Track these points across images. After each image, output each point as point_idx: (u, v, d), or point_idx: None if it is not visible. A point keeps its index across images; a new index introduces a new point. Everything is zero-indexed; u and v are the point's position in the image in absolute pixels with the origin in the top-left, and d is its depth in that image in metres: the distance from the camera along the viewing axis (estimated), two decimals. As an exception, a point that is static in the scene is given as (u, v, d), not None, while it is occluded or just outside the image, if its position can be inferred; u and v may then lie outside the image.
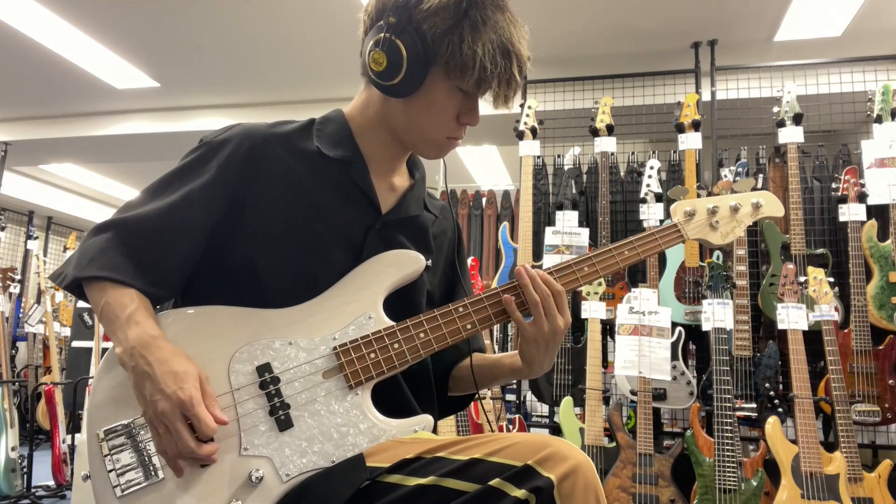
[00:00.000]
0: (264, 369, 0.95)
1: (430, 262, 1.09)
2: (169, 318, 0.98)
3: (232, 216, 1.02)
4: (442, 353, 1.04)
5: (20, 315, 5.29)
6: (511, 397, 3.73)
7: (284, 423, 0.94)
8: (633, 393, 2.90)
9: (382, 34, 0.98)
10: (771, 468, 2.62)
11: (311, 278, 1.01)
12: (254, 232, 1.02)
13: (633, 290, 2.96)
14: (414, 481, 0.88)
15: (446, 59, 0.97)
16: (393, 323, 1.01)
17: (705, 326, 2.77)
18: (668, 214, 3.21)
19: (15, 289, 4.44)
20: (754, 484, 2.62)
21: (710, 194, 1.20)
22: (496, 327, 4.01)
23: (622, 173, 3.58)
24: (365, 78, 1.07)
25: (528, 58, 1.02)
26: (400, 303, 1.05)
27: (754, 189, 1.23)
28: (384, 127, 1.09)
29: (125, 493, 0.90)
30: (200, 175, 1.03)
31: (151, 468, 0.91)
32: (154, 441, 0.90)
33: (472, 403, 3.07)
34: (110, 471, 0.90)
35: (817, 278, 2.75)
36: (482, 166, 6.14)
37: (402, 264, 1.04)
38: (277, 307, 0.99)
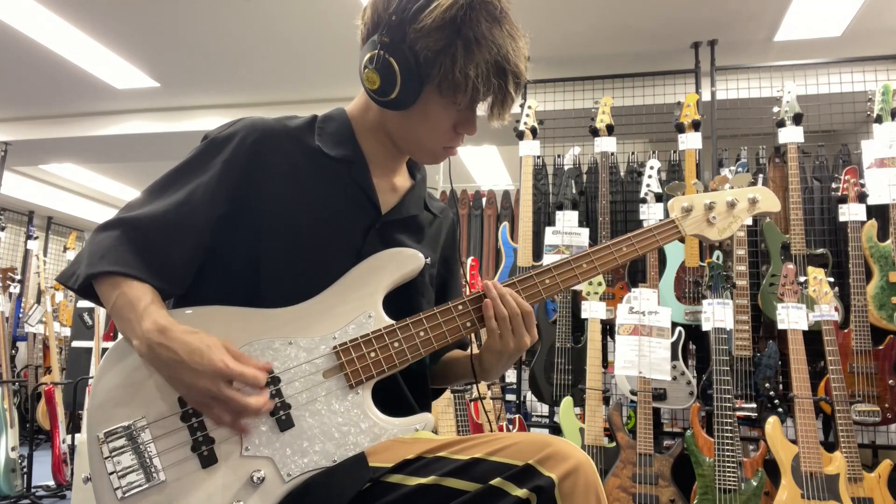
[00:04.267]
0: (265, 369, 0.95)
1: (429, 259, 1.09)
2: None
3: (235, 210, 1.02)
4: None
5: (20, 315, 5.29)
6: (511, 397, 3.73)
7: (285, 423, 0.94)
8: (633, 393, 2.90)
9: (376, 51, 0.98)
10: (771, 468, 2.62)
11: (310, 277, 1.01)
12: (255, 227, 1.02)
13: (632, 290, 2.96)
14: (415, 481, 0.88)
15: (439, 79, 0.97)
16: (393, 322, 1.01)
17: (705, 326, 2.77)
18: (668, 213, 3.21)
19: (15, 289, 4.44)
20: (754, 484, 2.62)
21: (707, 190, 1.20)
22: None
23: (622, 173, 3.58)
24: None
25: (525, 69, 1.01)
26: (399, 301, 1.05)
27: (751, 184, 1.23)
28: (383, 132, 1.10)
29: (126, 495, 0.90)
30: (205, 171, 1.03)
31: (153, 470, 0.90)
32: (211, 418, 0.92)
33: (473, 403, 3.08)
34: (111, 473, 0.90)
35: (817, 278, 2.75)
36: (482, 166, 6.14)
37: (401, 262, 1.04)
38: (276, 305, 0.99)
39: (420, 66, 0.97)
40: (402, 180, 1.16)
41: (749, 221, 2.98)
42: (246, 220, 1.02)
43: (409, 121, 1.04)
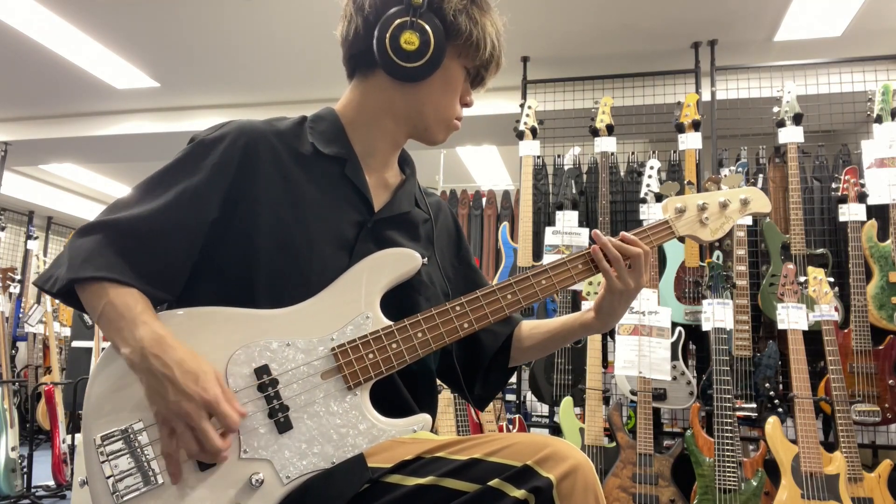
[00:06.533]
0: (262, 371, 0.95)
1: (426, 259, 1.09)
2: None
3: (227, 214, 1.01)
4: (491, 328, 1.09)
5: (20, 315, 5.29)
6: (511, 397, 3.73)
7: (284, 426, 0.93)
8: (633, 393, 2.90)
9: (409, 17, 1.01)
10: (771, 468, 2.62)
11: (303, 277, 1.00)
12: (247, 229, 1.00)
13: (632, 290, 2.95)
14: (413, 481, 0.88)
15: (464, 39, 1.04)
16: (391, 323, 1.00)
17: (705, 326, 2.77)
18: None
19: (15, 289, 4.44)
20: (754, 484, 2.62)
21: (700, 190, 1.21)
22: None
23: (622, 173, 3.58)
24: (364, 71, 1.09)
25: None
26: (397, 301, 1.05)
27: (746, 185, 1.23)
28: (389, 117, 1.09)
29: (124, 498, 0.89)
30: (195, 173, 1.00)
31: (151, 473, 0.90)
32: (164, 442, 0.89)
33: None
34: (108, 477, 0.89)
35: (817, 278, 2.75)
36: (482, 166, 6.14)
37: (398, 263, 1.03)
38: (270, 307, 0.98)
39: (447, 27, 1.03)
40: (393, 176, 1.16)
41: (748, 221, 3.01)
42: (238, 223, 1.01)
43: (429, 91, 1.07)
